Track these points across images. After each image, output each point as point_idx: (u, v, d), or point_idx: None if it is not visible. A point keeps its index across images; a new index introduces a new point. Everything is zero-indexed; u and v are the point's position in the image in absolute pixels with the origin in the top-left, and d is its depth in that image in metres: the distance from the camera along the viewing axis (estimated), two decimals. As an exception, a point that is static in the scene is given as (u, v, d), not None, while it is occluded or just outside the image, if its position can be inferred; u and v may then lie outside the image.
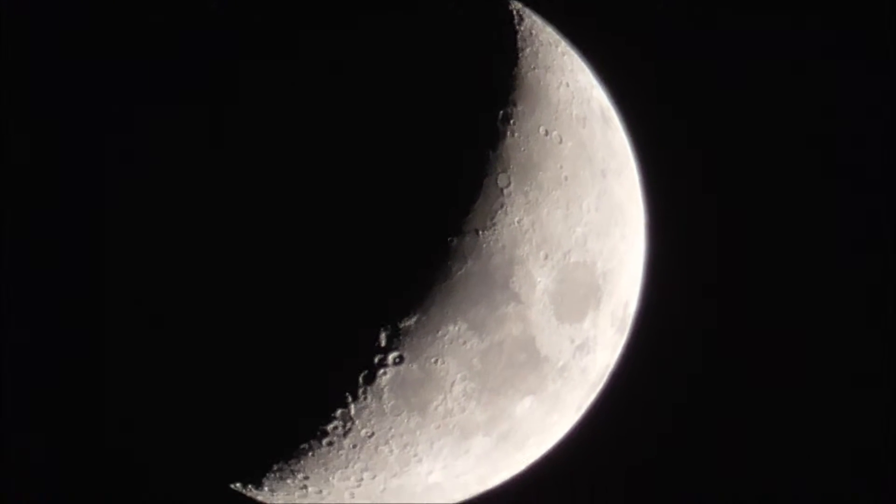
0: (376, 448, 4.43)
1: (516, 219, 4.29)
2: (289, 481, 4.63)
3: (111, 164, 4.43)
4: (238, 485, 4.79)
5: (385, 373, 4.24)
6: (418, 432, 4.41)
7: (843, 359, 7.13)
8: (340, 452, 4.44)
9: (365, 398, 4.28)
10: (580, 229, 4.51)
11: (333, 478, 4.56)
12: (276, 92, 4.19)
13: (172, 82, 4.41)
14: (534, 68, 4.62)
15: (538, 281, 4.35)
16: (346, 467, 4.50)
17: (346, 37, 4.26)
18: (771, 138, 7.10)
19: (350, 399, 4.28)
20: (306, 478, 4.58)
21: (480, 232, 4.22)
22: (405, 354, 4.22)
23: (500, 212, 4.26)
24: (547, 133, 4.49)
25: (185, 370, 4.33)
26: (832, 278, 7.16)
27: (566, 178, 4.48)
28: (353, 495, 4.67)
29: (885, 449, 6.97)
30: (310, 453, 4.46)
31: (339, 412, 4.31)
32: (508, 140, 4.35)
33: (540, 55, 4.70)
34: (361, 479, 4.56)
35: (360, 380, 4.24)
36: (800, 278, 7.11)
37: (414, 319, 4.18)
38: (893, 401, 6.96)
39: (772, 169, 7.10)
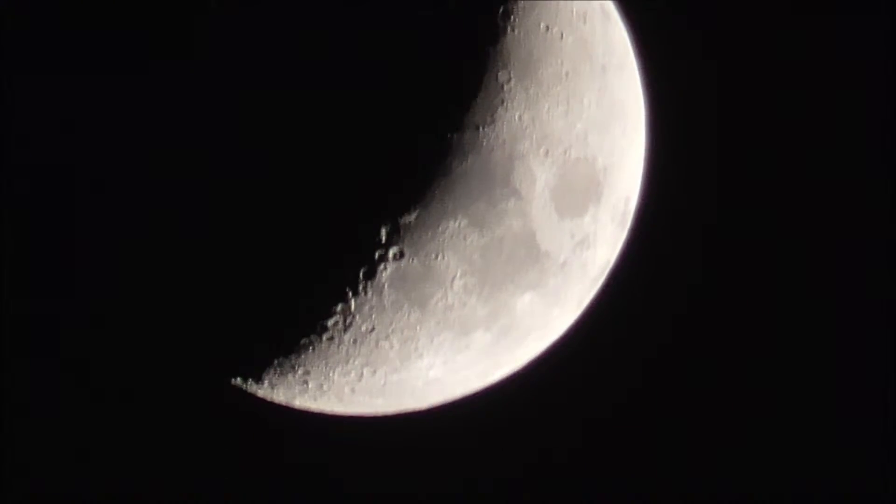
0: (377, 343, 4.47)
1: (516, 114, 4.28)
2: (289, 376, 4.68)
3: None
4: (238, 380, 4.84)
5: (385, 268, 4.25)
6: (419, 327, 4.44)
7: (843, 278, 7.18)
8: (341, 347, 4.48)
9: (365, 293, 4.30)
10: (580, 125, 4.50)
11: (334, 373, 4.60)
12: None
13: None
14: (534, -36, 4.56)
15: (538, 176, 4.35)
16: (347, 362, 4.54)
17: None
18: (778, 32, 7.03)
19: (350, 294, 4.30)
20: (307, 373, 4.62)
21: (480, 128, 4.20)
22: (405, 250, 4.24)
23: (500, 108, 4.24)
24: (547, 29, 4.45)
25: (187, 262, 4.34)
26: (835, 187, 7.17)
27: (566, 74, 4.45)
28: (353, 390, 4.72)
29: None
30: (310, 348, 4.49)
31: (339, 307, 4.34)
32: (508, 36, 4.31)
33: (540, -49, 4.64)
34: (362, 375, 4.61)
35: (361, 275, 4.26)
36: (801, 185, 7.11)
37: (414, 215, 4.18)
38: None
39: (778, 66, 7.05)
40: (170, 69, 4.18)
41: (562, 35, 4.50)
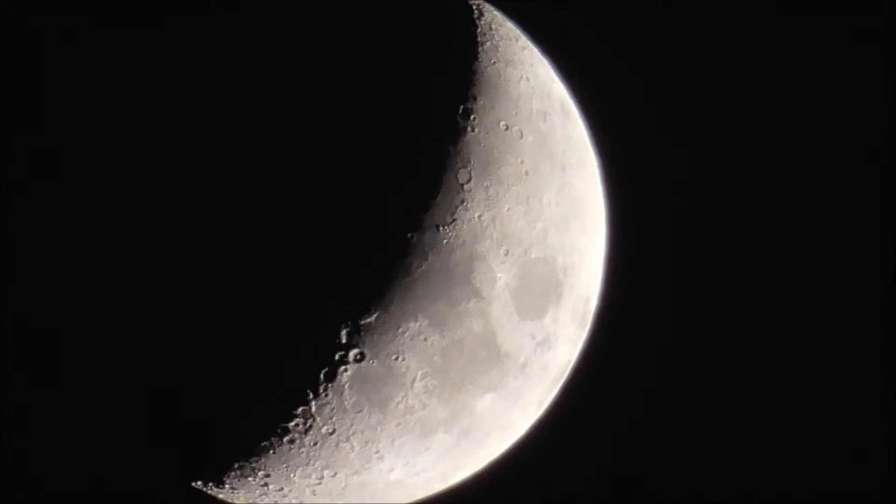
0: (337, 445, 4.42)
1: (477, 214, 4.29)
2: (250, 479, 4.61)
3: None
4: (199, 483, 4.76)
5: (346, 369, 4.22)
6: (379, 429, 4.40)
7: (803, 349, 7.21)
8: (302, 450, 4.43)
9: (326, 395, 4.26)
10: (541, 224, 4.51)
11: (295, 475, 4.55)
12: (230, 87, 4.16)
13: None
14: (494, 62, 4.61)
15: (499, 276, 4.35)
16: (308, 465, 4.49)
17: (303, 30, 4.24)
18: (731, 132, 7.14)
19: (311, 396, 4.26)
20: (267, 475, 4.56)
21: (441, 227, 4.21)
22: (366, 351, 4.21)
23: (460, 207, 4.25)
24: (507, 127, 4.49)
25: (148, 367, 4.29)
26: (793, 273, 7.22)
27: (527, 173, 4.48)
28: (314, 493, 4.66)
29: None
30: (271, 451, 4.44)
31: (300, 409, 4.30)
32: (469, 135, 4.35)
33: (500, 49, 4.70)
34: (322, 477, 4.55)
35: (322, 377, 4.23)
36: (761, 274, 7.16)
37: (374, 316, 4.16)
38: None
39: (732, 162, 7.14)
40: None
41: (522, 134, 4.53)
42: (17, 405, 4.85)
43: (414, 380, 4.32)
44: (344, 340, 4.17)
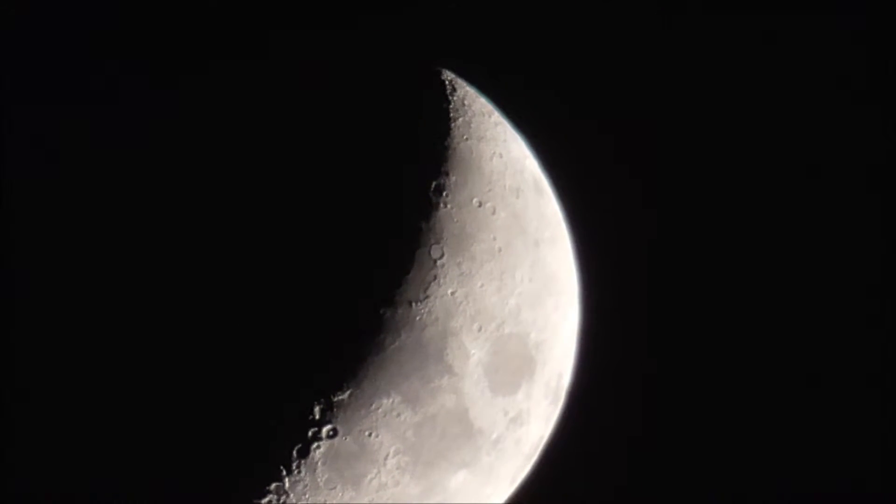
0: (310, 523, 4.39)
1: (450, 290, 4.31)
2: (222, 558, 4.56)
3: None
4: (171, 562, 4.70)
5: (319, 446, 4.20)
6: (352, 506, 4.38)
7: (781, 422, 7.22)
8: (275, 528, 4.39)
9: (299, 472, 4.24)
10: (513, 300, 4.53)
11: (267, 554, 4.50)
12: (203, 167, 4.18)
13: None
14: (466, 139, 4.65)
15: (472, 353, 4.36)
16: (282, 542, 4.45)
17: (278, 111, 4.28)
18: (704, 209, 7.22)
19: (284, 473, 4.24)
20: (241, 552, 4.51)
21: (413, 304, 4.22)
22: (339, 427, 4.20)
23: (433, 283, 4.27)
24: (480, 204, 4.52)
25: (122, 443, 4.25)
26: (767, 350, 7.26)
27: (499, 249, 4.51)
28: (287, 571, 4.60)
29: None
30: (243, 529, 4.39)
31: (273, 486, 4.27)
32: (441, 211, 4.37)
33: (472, 125, 4.75)
34: (296, 554, 4.51)
35: (295, 453, 4.21)
36: (734, 351, 7.20)
37: (347, 393, 4.16)
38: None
39: (705, 239, 7.21)
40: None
41: (494, 210, 4.57)
42: None
43: (387, 456, 4.30)
44: (317, 417, 4.16)
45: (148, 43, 4.54)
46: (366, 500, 4.37)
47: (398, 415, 4.25)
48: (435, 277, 4.28)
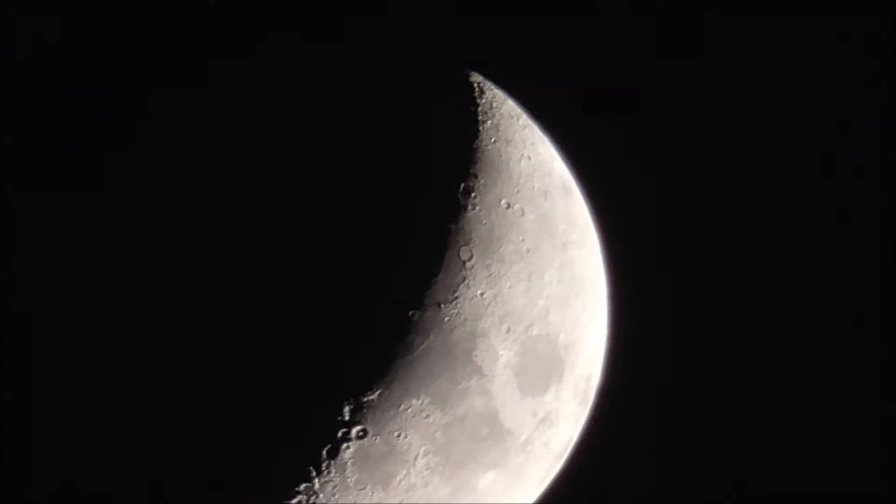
0: (339, 523, 4.40)
1: (478, 292, 4.31)
2: (252, 558, 4.58)
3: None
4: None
5: (348, 447, 4.22)
6: (382, 507, 4.39)
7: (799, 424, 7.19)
8: (304, 528, 4.40)
9: (329, 472, 4.25)
10: (542, 302, 4.54)
11: (297, 554, 4.51)
12: (233, 163, 4.21)
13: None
14: (494, 141, 4.66)
15: (500, 354, 4.37)
16: (311, 542, 4.46)
17: (309, 114, 4.30)
18: (732, 210, 7.19)
19: (314, 473, 4.25)
20: (270, 554, 4.53)
21: (442, 305, 4.23)
22: (368, 428, 4.21)
23: (462, 285, 4.28)
24: (508, 206, 4.53)
25: (151, 444, 4.28)
26: (796, 341, 7.22)
27: (528, 251, 4.51)
28: (316, 571, 4.62)
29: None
30: (273, 529, 4.41)
31: (302, 486, 4.28)
32: (470, 213, 4.38)
33: (501, 128, 4.76)
34: (326, 554, 4.52)
35: (324, 454, 4.22)
36: (764, 353, 7.16)
37: (377, 394, 4.17)
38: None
39: (733, 239, 7.18)
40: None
41: (523, 212, 4.58)
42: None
43: (416, 457, 4.32)
44: (347, 417, 4.17)
45: (148, 44, 4.58)
46: (395, 501, 4.39)
47: (427, 416, 4.26)
48: (464, 279, 4.29)
